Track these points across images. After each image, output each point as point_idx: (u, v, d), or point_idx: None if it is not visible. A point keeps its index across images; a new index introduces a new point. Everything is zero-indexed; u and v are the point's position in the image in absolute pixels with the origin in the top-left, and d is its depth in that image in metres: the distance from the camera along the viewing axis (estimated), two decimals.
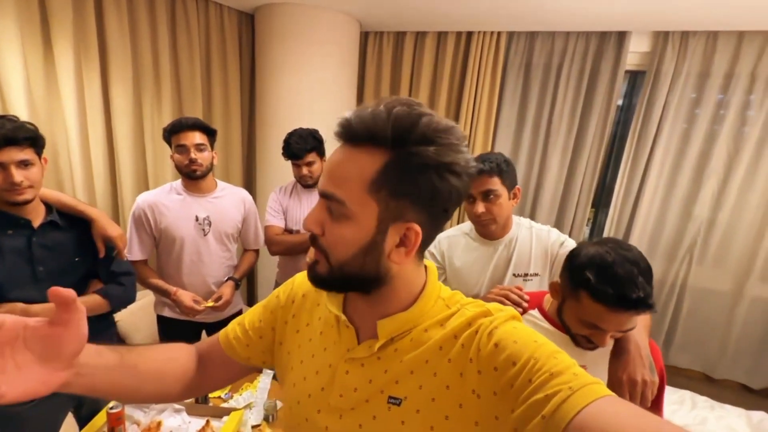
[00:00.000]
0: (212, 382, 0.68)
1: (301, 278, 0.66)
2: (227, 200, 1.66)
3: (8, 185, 0.98)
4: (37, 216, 1.10)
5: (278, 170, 2.58)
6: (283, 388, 0.62)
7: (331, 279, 0.49)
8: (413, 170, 0.44)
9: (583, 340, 0.86)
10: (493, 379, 0.44)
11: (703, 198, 2.45)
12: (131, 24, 2.10)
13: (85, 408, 1.27)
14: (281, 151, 1.78)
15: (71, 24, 1.86)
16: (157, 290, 1.57)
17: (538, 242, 1.23)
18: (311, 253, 0.53)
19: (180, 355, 0.64)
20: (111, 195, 2.22)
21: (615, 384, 0.83)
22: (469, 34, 2.65)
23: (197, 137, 1.49)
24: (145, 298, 2.13)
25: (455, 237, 1.32)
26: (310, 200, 1.84)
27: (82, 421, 1.28)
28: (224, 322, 1.71)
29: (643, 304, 0.76)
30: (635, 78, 2.63)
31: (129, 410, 1.27)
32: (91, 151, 2.06)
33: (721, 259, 2.51)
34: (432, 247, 1.33)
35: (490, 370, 0.44)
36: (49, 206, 1.14)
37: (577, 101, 2.55)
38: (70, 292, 0.41)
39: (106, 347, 0.54)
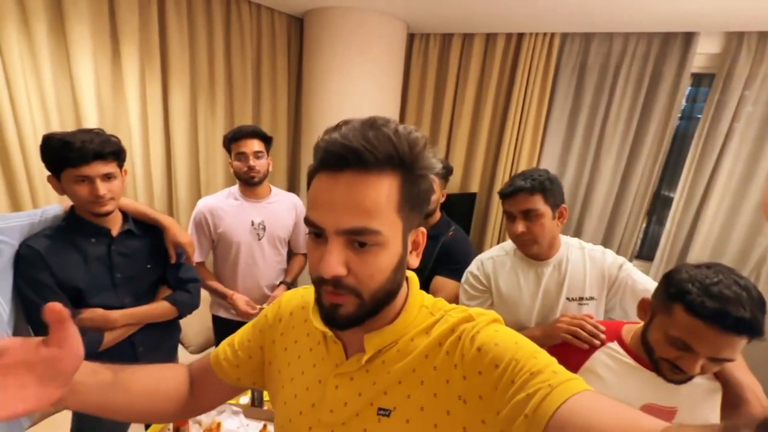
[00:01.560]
0: (205, 403, 0.70)
1: (288, 297, 0.66)
2: (280, 205, 1.69)
3: (93, 197, 1.03)
4: (115, 225, 1.15)
5: None
6: (275, 408, 0.62)
7: (362, 314, 0.47)
8: (418, 179, 0.47)
9: (666, 367, 0.77)
10: (478, 383, 0.44)
11: None
12: (190, 30, 2.17)
13: None
14: None
15: (137, 31, 1.95)
16: (215, 292, 1.62)
17: (593, 264, 1.14)
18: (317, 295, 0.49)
19: (173, 375, 0.66)
20: (167, 198, 2.31)
21: None
22: (520, 35, 2.56)
23: (256, 145, 1.53)
24: None
25: (499, 257, 1.23)
26: None
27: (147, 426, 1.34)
28: None
29: (747, 326, 0.68)
30: (700, 81, 2.46)
31: None
32: (151, 156, 2.16)
33: None
34: (475, 269, 1.26)
35: (475, 375, 0.45)
36: (125, 215, 1.19)
37: (635, 105, 2.41)
38: (63, 310, 0.42)
39: (101, 365, 0.56)
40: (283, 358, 0.62)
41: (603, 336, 0.92)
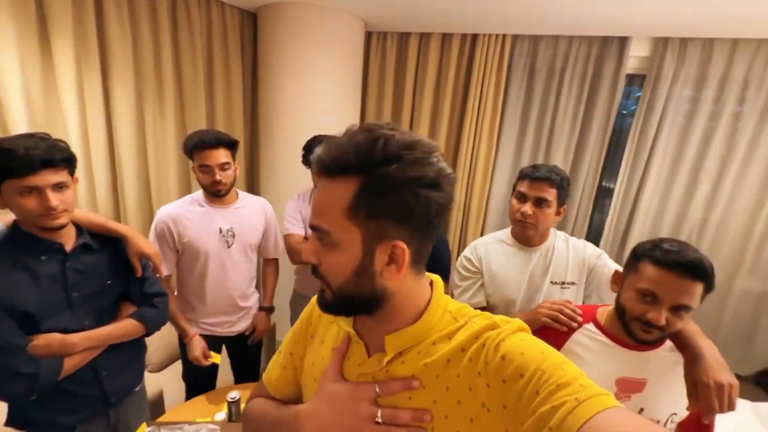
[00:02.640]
0: None
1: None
2: (249, 210, 1.62)
3: (44, 210, 0.92)
4: (68, 239, 1.04)
5: (283, 175, 2.54)
6: None
7: (336, 304, 0.52)
8: (384, 190, 0.44)
9: (637, 326, 0.87)
10: (502, 392, 0.44)
11: (698, 198, 2.57)
12: (132, 23, 2.00)
13: None
14: (301, 158, 1.75)
15: (70, 25, 1.76)
16: (176, 325, 1.53)
17: (575, 253, 1.28)
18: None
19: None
20: (114, 208, 2.13)
21: (700, 389, 0.82)
22: (474, 36, 2.66)
23: (221, 156, 1.43)
24: None
25: (492, 243, 1.35)
26: None
27: None
28: (242, 337, 1.70)
29: (701, 270, 0.80)
30: (633, 82, 2.72)
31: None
32: (93, 162, 1.97)
33: (712, 256, 2.62)
34: (468, 253, 1.36)
35: (499, 383, 0.45)
36: (78, 227, 1.08)
37: (580, 104, 2.61)
38: None
39: None
40: (309, 358, 0.64)
41: (580, 318, 1.01)
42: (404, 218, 0.46)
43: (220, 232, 1.52)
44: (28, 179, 0.89)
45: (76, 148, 1.86)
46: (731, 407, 0.80)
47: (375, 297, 0.50)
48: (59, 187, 0.94)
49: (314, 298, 0.68)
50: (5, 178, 0.89)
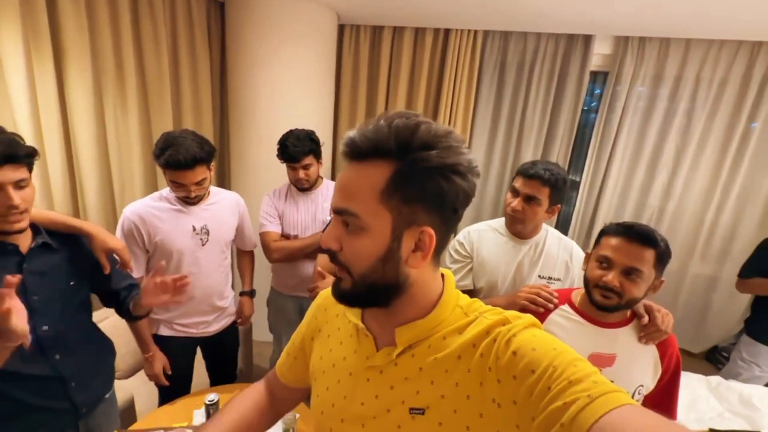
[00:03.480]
0: (283, 408, 0.77)
1: (326, 293, 0.69)
2: (222, 206, 1.57)
3: (5, 209, 0.85)
4: (24, 239, 0.96)
5: (254, 168, 2.47)
6: (311, 401, 0.65)
7: (356, 293, 0.50)
8: (420, 175, 0.45)
9: (598, 293, 0.96)
10: (513, 387, 0.44)
11: (656, 189, 2.74)
12: (88, 10, 1.87)
13: None
14: (275, 153, 1.70)
15: (17, 6, 1.61)
16: (138, 337, 1.44)
17: (565, 252, 1.34)
18: (317, 266, 0.58)
19: (251, 402, 0.73)
20: (72, 206, 1.99)
21: (648, 310, 1.00)
22: (447, 31, 2.68)
23: (198, 174, 1.33)
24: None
25: (485, 231, 1.39)
26: (307, 204, 1.79)
27: None
28: (218, 338, 1.66)
29: (648, 237, 0.91)
30: (596, 79, 2.84)
31: None
32: (48, 158, 1.83)
33: (669, 242, 2.83)
34: (461, 238, 1.40)
35: (510, 379, 0.44)
36: (35, 227, 1.00)
37: (548, 99, 2.70)
38: None
39: None
40: (317, 352, 0.64)
41: (556, 300, 1.09)
42: (435, 204, 0.47)
43: (194, 230, 1.46)
44: None
45: (28, 142, 1.73)
46: (668, 329, 0.99)
47: (396, 285, 0.49)
48: (19, 185, 0.87)
49: (323, 292, 0.70)
50: None
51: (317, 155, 1.72)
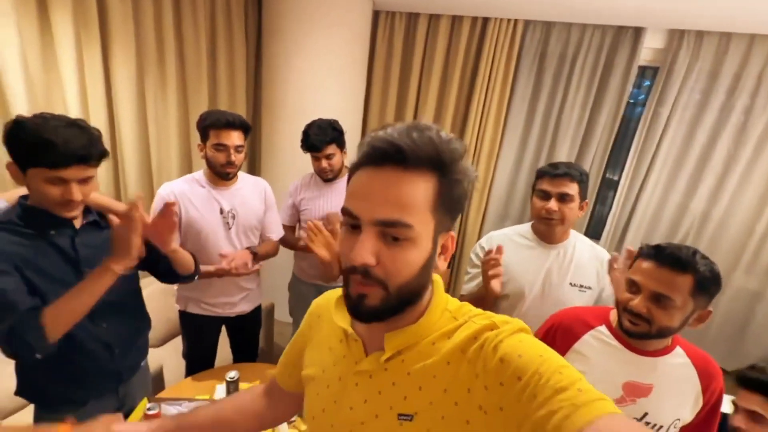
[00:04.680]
0: (282, 413, 0.78)
1: (318, 301, 0.70)
2: (249, 191, 1.61)
3: (64, 201, 0.90)
4: (77, 216, 1.03)
5: (284, 156, 2.51)
6: (304, 407, 0.66)
7: (386, 307, 0.48)
8: (455, 185, 0.47)
9: (626, 318, 0.90)
10: (500, 394, 0.44)
11: (701, 193, 2.56)
12: (134, 1, 1.93)
13: (125, 409, 1.25)
14: (300, 143, 1.72)
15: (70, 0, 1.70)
16: (209, 275, 1.48)
17: (598, 261, 1.29)
18: (334, 282, 0.55)
19: (245, 399, 0.76)
20: (114, 185, 2.11)
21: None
22: (485, 20, 2.58)
23: (238, 138, 1.43)
24: (151, 286, 2.07)
25: (510, 236, 1.36)
26: (331, 194, 1.81)
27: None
28: (242, 318, 1.72)
29: (682, 261, 0.82)
30: (644, 73, 2.66)
31: (165, 408, 1.27)
32: None
33: (710, 252, 2.65)
34: (484, 242, 1.37)
35: (496, 386, 0.44)
36: (86, 207, 1.07)
37: (589, 93, 2.56)
38: None
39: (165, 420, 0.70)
40: (309, 358, 0.65)
41: (497, 256, 1.13)
42: (457, 211, 0.50)
43: (221, 212, 1.51)
44: (59, 171, 0.87)
45: None
46: None
47: (423, 290, 0.51)
48: (85, 181, 0.92)
49: (316, 300, 0.70)
50: (35, 166, 0.86)
51: (340, 144, 1.72)
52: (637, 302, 0.87)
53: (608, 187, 2.90)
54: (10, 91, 1.60)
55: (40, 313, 0.89)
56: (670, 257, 0.84)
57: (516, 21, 2.51)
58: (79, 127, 0.90)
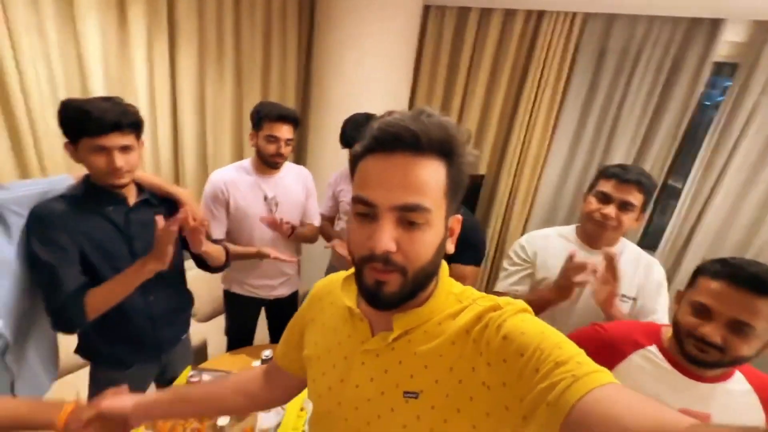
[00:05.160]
0: (279, 394, 0.79)
1: (318, 285, 0.72)
2: (292, 179, 1.68)
3: (110, 169, 1.01)
4: (130, 194, 1.14)
5: (330, 148, 2.57)
6: (308, 388, 0.67)
7: (404, 293, 0.49)
8: (462, 168, 0.49)
9: (691, 344, 0.80)
10: (503, 370, 0.45)
11: None
12: None
13: (167, 375, 1.37)
14: (338, 137, 1.76)
15: None
16: (248, 256, 1.58)
17: (644, 270, 1.21)
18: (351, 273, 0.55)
19: (240, 377, 0.79)
20: (174, 169, 2.28)
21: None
22: (540, 13, 2.47)
23: (289, 131, 1.51)
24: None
25: (552, 237, 1.30)
26: None
27: (162, 386, 1.38)
28: (280, 301, 1.80)
29: (762, 282, 0.72)
30: (720, 71, 2.40)
31: (205, 377, 1.36)
32: (158, 124, 2.11)
33: None
34: (524, 241, 1.32)
35: (500, 362, 0.46)
36: (140, 187, 1.17)
37: (653, 92, 2.36)
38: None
39: (160, 393, 0.76)
40: (311, 340, 0.66)
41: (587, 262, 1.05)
42: (461, 194, 0.51)
43: (265, 199, 1.59)
44: (99, 139, 0.97)
45: (143, 111, 2.00)
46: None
47: (436, 274, 0.52)
48: (125, 149, 1.02)
49: (318, 283, 0.72)
50: (81, 137, 0.98)
51: None
52: (709, 330, 0.77)
53: (669, 195, 2.66)
54: (91, 78, 1.79)
55: (84, 294, 1.00)
56: (751, 278, 0.73)
57: (575, 14, 2.38)
58: (115, 102, 1.00)
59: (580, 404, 0.37)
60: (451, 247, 0.52)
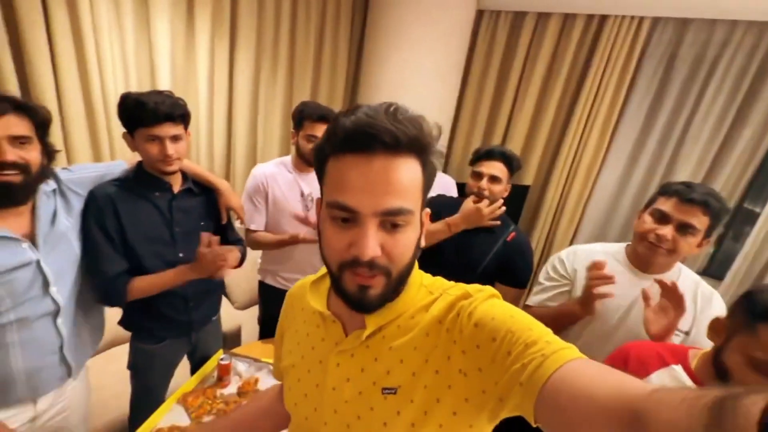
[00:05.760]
0: None
1: (290, 292, 0.70)
2: None
3: (162, 156, 1.09)
4: (176, 182, 1.22)
5: None
6: (284, 396, 0.65)
7: (388, 293, 0.49)
8: (432, 165, 0.49)
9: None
10: (477, 356, 0.46)
11: None
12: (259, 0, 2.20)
13: (198, 353, 1.44)
14: None
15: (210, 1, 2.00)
16: (279, 244, 1.60)
17: (702, 303, 1.07)
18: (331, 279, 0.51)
19: (265, 403, 0.78)
20: (225, 162, 2.43)
21: None
22: (603, 17, 2.32)
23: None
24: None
25: (598, 254, 1.18)
26: None
27: (194, 363, 1.46)
28: None
29: None
30: None
31: (235, 362, 1.42)
32: (215, 120, 2.26)
33: None
34: (564, 256, 1.23)
35: (473, 349, 0.46)
36: (184, 175, 1.25)
37: (731, 105, 2.13)
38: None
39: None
40: (286, 347, 0.66)
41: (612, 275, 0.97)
42: (431, 188, 0.52)
43: (302, 195, 1.64)
44: (153, 129, 1.05)
45: (203, 105, 2.16)
46: None
47: (412, 267, 0.51)
48: (175, 138, 1.11)
49: (290, 291, 0.70)
50: (137, 127, 1.08)
51: None
52: None
53: (744, 220, 2.37)
54: (159, 75, 1.96)
55: (125, 281, 1.11)
56: None
57: (641, 18, 2.21)
58: (166, 95, 1.09)
59: (550, 381, 0.38)
60: (422, 241, 0.52)
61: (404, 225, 0.46)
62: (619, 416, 0.33)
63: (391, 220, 0.45)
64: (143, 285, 1.13)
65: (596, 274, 0.99)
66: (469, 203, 1.33)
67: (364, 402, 0.52)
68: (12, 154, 0.84)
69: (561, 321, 1.12)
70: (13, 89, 1.52)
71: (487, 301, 0.49)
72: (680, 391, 0.30)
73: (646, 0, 2.02)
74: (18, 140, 0.86)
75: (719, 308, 1.06)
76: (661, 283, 0.97)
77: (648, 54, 2.28)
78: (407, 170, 0.45)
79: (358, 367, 0.53)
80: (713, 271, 2.48)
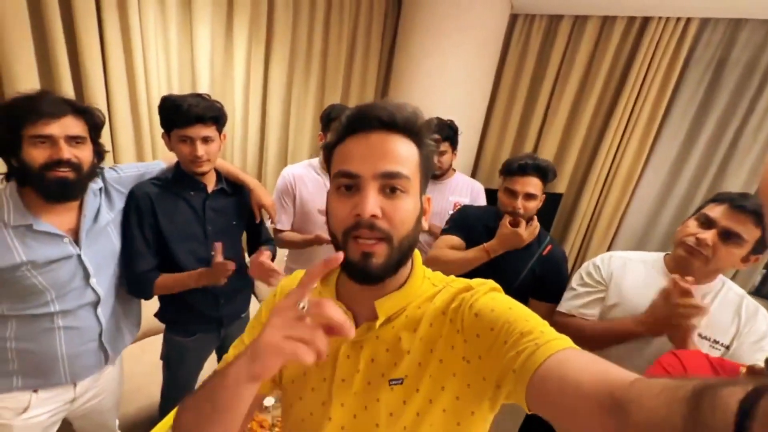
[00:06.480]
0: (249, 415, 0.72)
1: (284, 282, 0.69)
2: None
3: (192, 157, 1.14)
4: (210, 182, 1.27)
5: None
6: (285, 389, 0.63)
7: (390, 263, 0.51)
8: (429, 155, 0.54)
9: None
10: (477, 344, 0.49)
11: None
12: (295, 4, 2.27)
13: (226, 348, 1.49)
14: None
15: (249, 3, 2.08)
16: (305, 244, 1.61)
17: (746, 317, 1.00)
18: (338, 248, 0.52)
19: None
20: (258, 163, 2.50)
21: None
22: (646, 19, 2.23)
23: None
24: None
25: (633, 262, 1.14)
26: (434, 193, 1.80)
27: (222, 358, 1.51)
28: None
29: None
30: None
31: None
32: (249, 122, 2.34)
33: None
34: (599, 261, 1.19)
35: (474, 338, 0.49)
36: (219, 174, 1.30)
37: None
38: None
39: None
40: None
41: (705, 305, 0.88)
42: (429, 177, 0.56)
43: None
44: (186, 130, 1.10)
45: (238, 108, 2.24)
46: None
47: (414, 247, 0.55)
48: (206, 140, 1.14)
49: (281, 282, 0.68)
50: (173, 128, 1.12)
51: (453, 143, 1.74)
52: None
53: None
54: (200, 78, 2.05)
55: (153, 277, 1.17)
56: None
57: (688, 20, 2.10)
58: (202, 98, 1.13)
59: (541, 369, 0.41)
60: (425, 224, 0.56)
61: (403, 192, 0.50)
62: (602, 403, 0.35)
63: (390, 184, 0.49)
64: (168, 282, 1.20)
65: (687, 302, 0.89)
66: (506, 226, 1.27)
67: (372, 393, 0.53)
68: (68, 153, 0.91)
69: (612, 338, 1.05)
70: (69, 91, 1.63)
71: (488, 294, 0.53)
72: (661, 380, 0.31)
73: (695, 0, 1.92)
74: (74, 140, 0.93)
75: (764, 323, 0.99)
76: (674, 282, 0.91)
77: (695, 57, 2.15)
78: (403, 144, 0.51)
79: (368, 358, 0.54)
80: (766, 291, 2.30)
